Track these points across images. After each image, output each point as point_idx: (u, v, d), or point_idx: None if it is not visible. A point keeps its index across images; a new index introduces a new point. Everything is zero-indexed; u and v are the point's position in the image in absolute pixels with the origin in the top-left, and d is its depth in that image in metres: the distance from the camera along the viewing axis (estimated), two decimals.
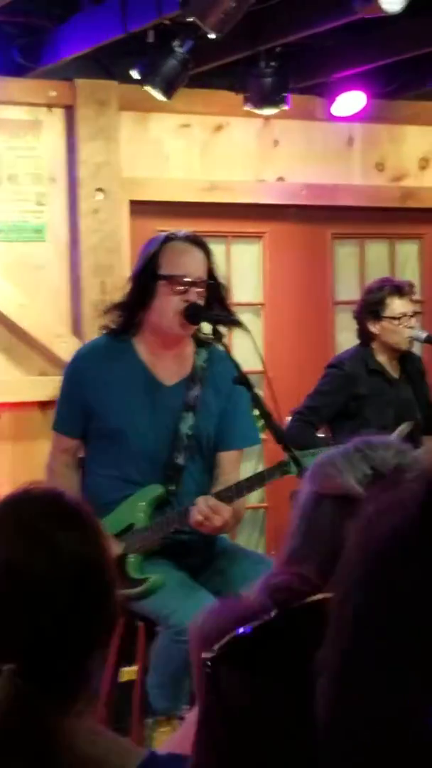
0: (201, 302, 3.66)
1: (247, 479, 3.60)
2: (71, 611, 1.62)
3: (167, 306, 3.63)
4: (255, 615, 1.01)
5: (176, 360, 3.77)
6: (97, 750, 1.57)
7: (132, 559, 3.65)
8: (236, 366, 3.55)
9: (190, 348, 3.80)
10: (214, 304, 3.69)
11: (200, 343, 3.80)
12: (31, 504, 1.70)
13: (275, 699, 0.98)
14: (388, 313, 4.92)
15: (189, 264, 3.65)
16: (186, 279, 3.63)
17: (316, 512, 1.70)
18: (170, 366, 3.77)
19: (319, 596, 1.03)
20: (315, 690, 0.95)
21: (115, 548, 3.64)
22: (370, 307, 4.95)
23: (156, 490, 3.68)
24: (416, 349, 5.36)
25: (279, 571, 1.13)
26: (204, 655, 1.01)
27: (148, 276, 3.67)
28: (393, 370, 5.02)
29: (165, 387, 3.76)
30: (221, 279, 3.77)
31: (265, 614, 1.01)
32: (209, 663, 0.99)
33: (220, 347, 3.76)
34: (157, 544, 3.66)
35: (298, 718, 0.97)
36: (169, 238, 3.71)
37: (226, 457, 3.76)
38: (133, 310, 3.74)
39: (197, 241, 3.73)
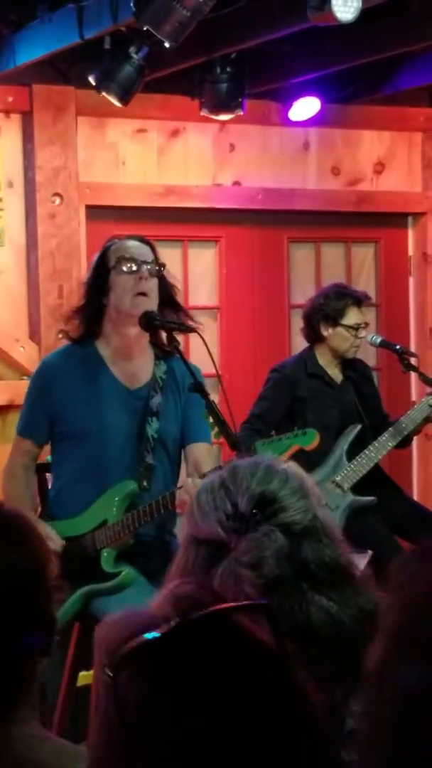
0: (154, 286, 3.71)
1: (221, 465, 3.62)
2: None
3: (123, 288, 3.70)
4: (157, 624, 1.04)
5: (138, 365, 3.83)
6: (43, 754, 1.59)
7: (105, 553, 3.70)
8: (192, 373, 3.59)
9: (150, 355, 3.86)
10: (166, 307, 3.74)
11: (159, 355, 3.86)
12: None
13: (166, 709, 1.01)
14: (345, 321, 4.99)
15: (134, 249, 3.75)
16: (134, 257, 3.71)
17: (186, 554, 1.70)
18: (132, 370, 3.83)
19: (220, 606, 1.07)
20: (204, 703, 1.00)
21: (56, 546, 3.70)
22: (327, 312, 5.01)
23: (129, 485, 3.73)
24: (370, 353, 5.43)
25: (182, 581, 1.16)
26: (105, 661, 1.04)
27: (98, 275, 3.76)
28: (334, 374, 5.10)
29: (129, 390, 3.82)
30: (169, 277, 3.82)
31: (167, 623, 1.04)
32: (110, 671, 1.03)
33: (178, 358, 3.81)
34: (131, 537, 3.70)
35: (183, 730, 1.01)
36: (113, 242, 3.82)
37: (199, 449, 3.82)
38: (91, 314, 3.80)
39: (141, 239, 3.84)
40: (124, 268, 3.70)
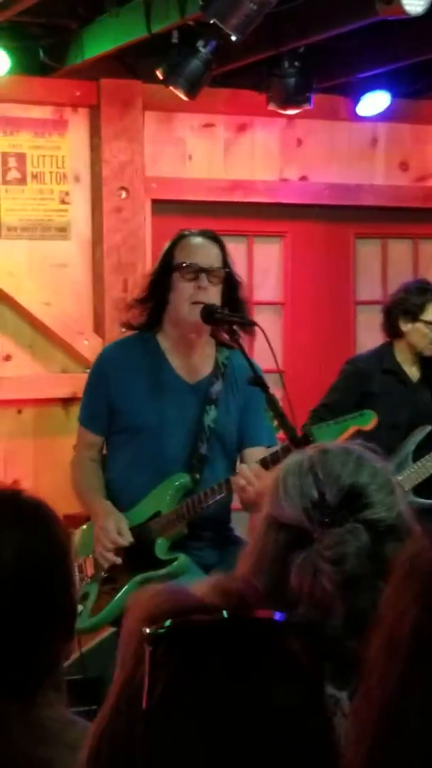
0: (216, 293, 3.69)
1: (277, 449, 3.61)
2: (16, 606, 1.66)
3: (180, 294, 3.69)
4: (205, 610, 1.04)
5: (199, 358, 3.82)
6: (71, 737, 1.61)
7: (160, 541, 3.73)
8: (252, 367, 3.58)
9: (211, 348, 3.84)
10: (229, 302, 3.72)
11: (222, 344, 3.85)
12: None
13: (192, 696, 1.00)
14: (424, 317, 4.91)
15: (200, 253, 3.71)
16: (195, 266, 3.67)
17: (266, 536, 1.67)
18: (193, 364, 3.82)
19: (265, 613, 1.06)
20: (228, 705, 0.99)
21: (123, 539, 3.71)
22: (407, 306, 4.94)
23: (182, 477, 3.74)
24: None
25: (235, 577, 1.15)
26: (146, 629, 1.03)
27: (163, 271, 3.74)
28: (412, 372, 5.01)
29: (188, 385, 3.81)
30: (237, 275, 3.79)
31: (213, 613, 1.03)
32: (152, 638, 1.02)
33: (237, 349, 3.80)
34: (185, 527, 3.72)
35: (202, 722, 1.00)
36: (183, 234, 3.79)
37: (254, 454, 3.79)
38: (152, 305, 3.79)
39: (211, 236, 3.80)
40: (186, 275, 3.68)
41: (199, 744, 0.99)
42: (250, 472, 3.49)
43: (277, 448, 3.62)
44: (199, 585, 1.09)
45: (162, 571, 3.69)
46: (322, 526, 1.63)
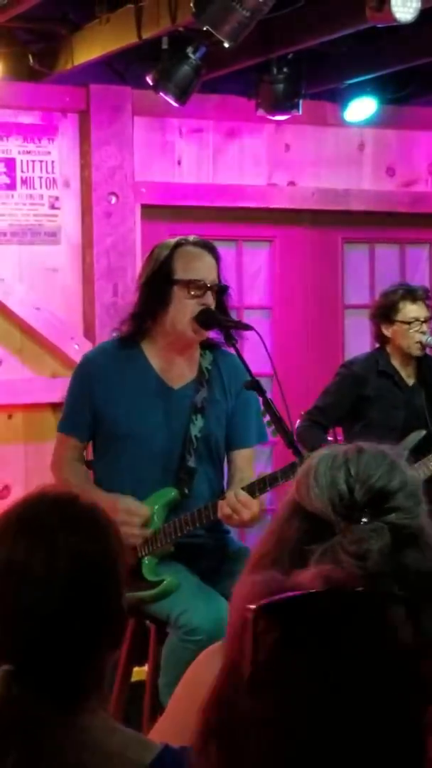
0: (213, 304, 3.68)
1: (264, 477, 3.58)
2: (70, 612, 1.65)
3: (183, 310, 3.64)
4: (302, 589, 1.07)
5: (185, 363, 3.79)
6: (113, 745, 1.61)
7: (147, 561, 3.68)
8: (248, 371, 3.59)
9: (196, 352, 3.81)
10: (219, 308, 3.72)
11: (205, 345, 3.81)
12: (39, 505, 1.73)
13: (295, 665, 1.03)
14: (399, 317, 4.93)
15: (204, 268, 3.66)
16: (203, 283, 3.64)
17: (289, 522, 1.67)
18: (178, 369, 3.78)
19: (371, 591, 1.09)
20: (335, 674, 1.02)
21: (144, 510, 3.66)
22: (383, 310, 4.98)
23: (169, 492, 3.70)
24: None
25: (333, 568, 1.18)
26: (249, 606, 1.06)
27: (161, 281, 3.66)
28: (407, 375, 5.03)
29: (173, 390, 3.77)
30: (227, 283, 3.79)
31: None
32: (253, 613, 1.05)
33: (227, 349, 3.79)
34: (172, 545, 3.68)
35: (319, 694, 1.03)
36: (180, 243, 3.71)
37: (241, 455, 3.79)
38: (144, 316, 3.74)
39: (208, 246, 3.75)
40: (191, 292, 3.64)
41: (301, 709, 1.02)
42: (237, 501, 3.44)
43: (265, 475, 3.57)
44: (300, 573, 1.12)
45: (149, 593, 3.64)
46: (347, 520, 1.63)
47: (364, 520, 1.63)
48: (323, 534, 1.64)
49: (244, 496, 3.46)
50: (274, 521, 1.71)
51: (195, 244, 3.73)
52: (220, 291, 3.70)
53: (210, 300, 3.65)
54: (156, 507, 3.69)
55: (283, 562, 1.63)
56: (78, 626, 1.65)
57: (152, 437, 3.72)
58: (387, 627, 1.07)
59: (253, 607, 1.06)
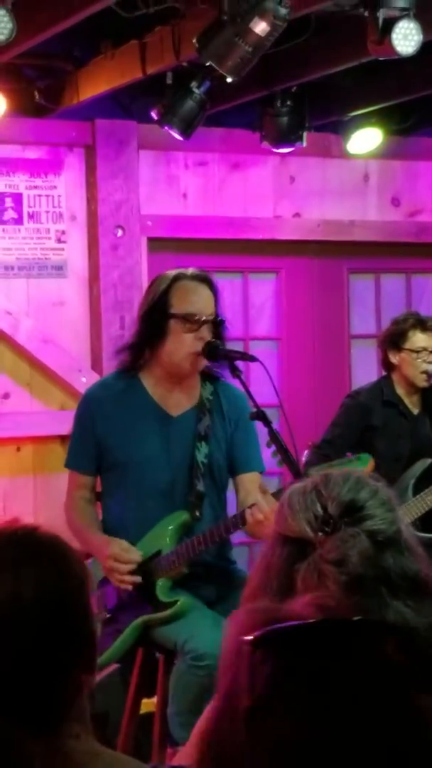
0: (209, 337, 3.71)
1: (285, 485, 3.61)
2: (38, 640, 1.69)
3: (180, 344, 3.70)
4: (297, 619, 1.09)
5: (183, 392, 3.84)
6: (98, 767, 1.63)
7: (161, 583, 3.72)
8: (253, 401, 3.62)
9: (195, 381, 3.86)
10: (218, 339, 3.75)
11: (204, 376, 3.86)
12: (3, 540, 1.77)
13: (292, 694, 1.04)
14: (408, 345, 4.93)
15: (200, 302, 3.71)
16: (199, 318, 3.69)
17: (273, 551, 1.76)
18: (177, 397, 3.84)
19: (361, 619, 1.10)
20: (329, 705, 1.03)
21: (134, 555, 3.71)
22: (392, 337, 4.98)
23: (181, 516, 3.75)
24: None
25: (325, 595, 1.21)
26: (245, 637, 1.07)
27: (158, 314, 3.72)
28: (412, 404, 5.03)
29: (173, 418, 3.83)
30: (224, 316, 3.82)
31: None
32: (249, 644, 1.06)
33: (226, 380, 3.84)
34: (185, 567, 3.71)
35: (316, 724, 1.04)
36: (178, 277, 3.76)
37: (248, 479, 3.83)
38: (142, 348, 3.80)
39: (206, 279, 3.79)
40: (187, 326, 3.68)
41: (297, 740, 1.03)
42: (268, 507, 3.45)
43: (286, 484, 3.61)
44: (293, 602, 1.14)
45: (164, 614, 3.68)
46: (325, 534, 1.73)
47: (341, 529, 1.72)
48: (306, 553, 1.73)
49: (274, 502, 3.48)
50: (260, 557, 1.79)
51: (192, 277, 3.76)
52: (217, 324, 3.73)
53: (206, 334, 3.69)
54: (169, 528, 3.74)
55: (271, 587, 1.67)
56: (47, 653, 1.69)
57: (154, 464, 3.78)
58: (381, 656, 1.08)
59: (249, 638, 1.07)
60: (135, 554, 3.72)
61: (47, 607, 1.70)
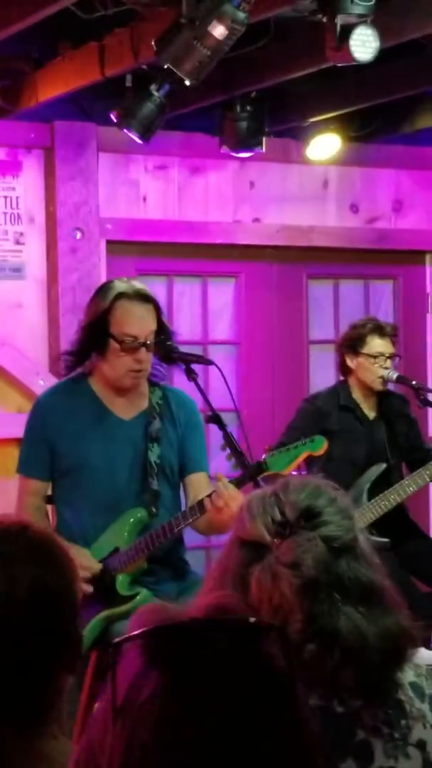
0: (150, 356, 3.74)
1: (242, 475, 3.63)
2: (29, 639, 1.67)
3: (119, 365, 3.75)
4: (182, 619, 1.08)
5: (132, 396, 3.88)
6: None
7: (120, 578, 3.75)
8: (209, 405, 3.63)
9: (143, 385, 3.90)
10: (165, 351, 3.78)
11: (152, 382, 3.91)
12: None
13: (169, 696, 1.03)
14: (366, 350, 4.96)
15: (138, 325, 3.72)
16: (136, 341, 3.71)
17: (230, 554, 1.78)
18: (126, 402, 3.88)
19: (251, 618, 1.09)
20: (207, 702, 1.02)
21: (94, 565, 3.73)
22: (350, 342, 5.01)
23: (139, 512, 3.78)
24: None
25: (222, 593, 1.21)
26: (116, 640, 1.07)
27: (98, 331, 3.75)
28: (368, 409, 5.05)
29: (124, 421, 3.87)
30: (168, 326, 3.84)
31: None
32: (117, 644, 1.05)
33: (171, 386, 3.91)
34: (144, 561, 3.74)
35: (167, 716, 1.03)
36: (119, 296, 3.75)
37: (199, 478, 3.88)
38: (84, 356, 3.84)
39: (146, 298, 3.78)
40: (124, 346, 3.71)
41: (178, 742, 1.02)
42: (228, 493, 3.50)
43: (242, 473, 3.64)
44: (191, 603, 1.13)
45: (124, 607, 3.72)
46: (281, 537, 1.75)
47: (297, 534, 1.74)
48: (262, 556, 1.75)
49: (232, 489, 3.54)
50: (217, 560, 1.80)
51: (133, 296, 3.76)
52: (160, 336, 3.74)
53: (143, 356, 3.72)
54: (126, 526, 3.76)
55: (226, 590, 1.67)
56: (36, 652, 1.68)
57: (111, 467, 3.81)
58: (263, 655, 1.07)
59: (132, 634, 1.06)
60: (93, 562, 3.75)
61: (40, 605, 1.69)
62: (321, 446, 3.65)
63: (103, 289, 3.86)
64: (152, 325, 3.75)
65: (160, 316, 3.80)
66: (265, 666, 1.07)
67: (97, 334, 3.76)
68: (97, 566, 3.75)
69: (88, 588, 3.71)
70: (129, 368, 3.74)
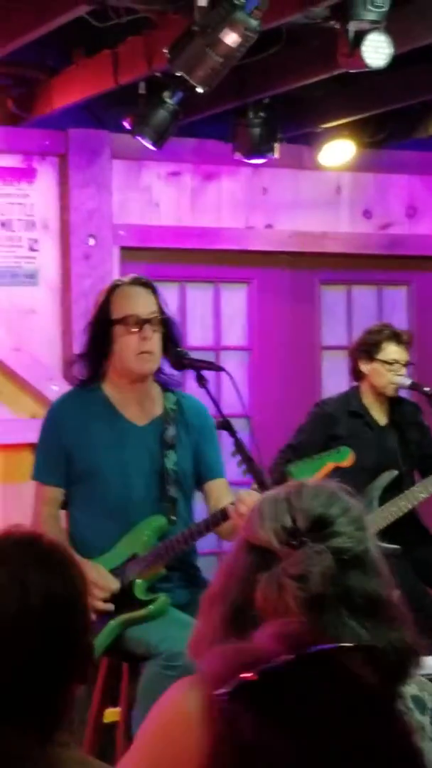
0: (158, 339, 3.75)
1: (264, 481, 3.63)
2: (41, 648, 1.69)
3: (127, 347, 3.75)
4: (267, 659, 1.07)
5: (145, 401, 3.88)
6: None
7: (138, 582, 3.75)
8: (219, 411, 3.64)
9: (156, 390, 3.91)
10: (169, 344, 3.79)
11: (165, 388, 3.91)
12: (9, 546, 1.77)
13: (283, 741, 1.03)
14: (381, 356, 4.95)
15: (138, 303, 3.77)
16: (137, 317, 3.73)
17: (237, 557, 1.74)
18: (140, 407, 3.88)
19: (327, 647, 1.09)
20: (319, 735, 1.03)
21: (112, 584, 3.72)
22: (365, 347, 5.00)
23: (158, 520, 3.78)
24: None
25: (289, 621, 1.19)
26: (217, 692, 1.06)
27: (102, 324, 3.79)
28: (379, 415, 5.04)
29: (137, 427, 3.87)
30: (172, 317, 3.87)
31: (276, 659, 1.07)
32: (224, 699, 1.05)
33: (184, 392, 3.90)
34: (163, 567, 3.75)
35: (299, 761, 1.04)
36: (115, 285, 3.84)
37: (218, 485, 3.87)
38: (94, 359, 3.86)
39: (143, 282, 3.85)
40: (129, 327, 3.73)
41: None
42: (250, 500, 3.46)
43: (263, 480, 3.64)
44: (256, 636, 1.12)
45: (142, 612, 3.71)
46: (290, 546, 1.70)
47: (306, 545, 1.69)
48: (269, 564, 1.70)
49: (255, 495, 3.51)
50: (224, 561, 1.77)
51: (130, 283, 3.84)
52: (165, 323, 3.74)
53: (150, 333, 3.73)
54: (146, 533, 3.77)
55: (230, 594, 1.66)
56: (49, 661, 1.70)
57: (126, 474, 3.81)
58: (358, 680, 1.08)
59: (223, 690, 1.06)
60: (111, 581, 3.74)
61: (53, 614, 1.71)
62: (346, 457, 3.65)
63: (100, 291, 3.92)
64: (153, 306, 3.77)
65: (161, 303, 3.81)
66: (359, 688, 1.08)
67: (100, 329, 3.78)
68: (116, 585, 3.74)
69: (109, 607, 3.72)
70: (137, 350, 3.73)
